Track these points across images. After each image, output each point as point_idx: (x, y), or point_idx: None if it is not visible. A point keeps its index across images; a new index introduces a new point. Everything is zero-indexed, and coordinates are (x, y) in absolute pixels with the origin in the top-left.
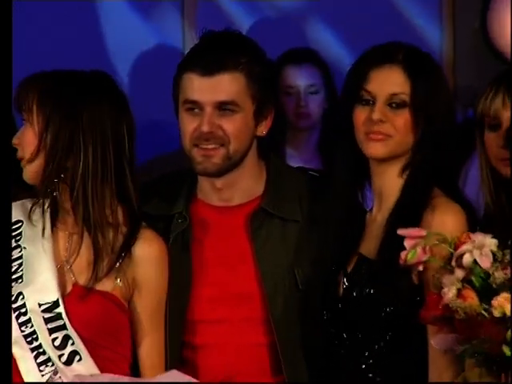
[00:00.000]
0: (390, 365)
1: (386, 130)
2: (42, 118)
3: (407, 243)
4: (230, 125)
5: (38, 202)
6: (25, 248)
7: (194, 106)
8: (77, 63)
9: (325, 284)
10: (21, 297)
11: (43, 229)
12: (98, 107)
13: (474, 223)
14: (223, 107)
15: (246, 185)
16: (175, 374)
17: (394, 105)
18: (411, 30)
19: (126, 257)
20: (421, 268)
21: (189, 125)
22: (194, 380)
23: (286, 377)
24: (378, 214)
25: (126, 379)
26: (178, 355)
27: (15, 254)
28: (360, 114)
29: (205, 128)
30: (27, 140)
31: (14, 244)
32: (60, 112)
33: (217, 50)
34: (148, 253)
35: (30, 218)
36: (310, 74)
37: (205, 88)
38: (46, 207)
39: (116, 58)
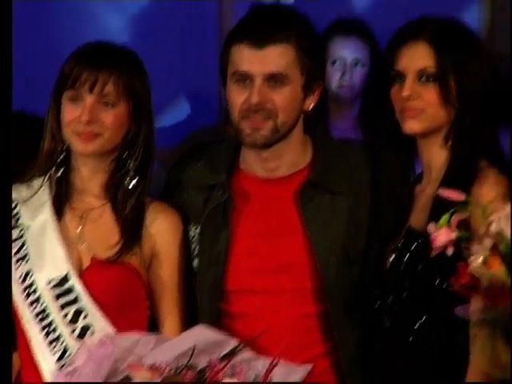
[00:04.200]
0: (436, 338)
1: (417, 105)
2: (128, 103)
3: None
4: (280, 97)
5: (43, 181)
6: (27, 228)
7: (244, 78)
8: None
9: (375, 257)
10: (29, 275)
11: (51, 206)
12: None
13: None
14: (273, 79)
15: (292, 156)
16: (201, 329)
17: (423, 79)
18: (451, 2)
19: (142, 230)
20: (449, 251)
21: (238, 96)
22: (221, 333)
23: (338, 344)
24: (428, 186)
25: (154, 338)
26: (212, 323)
27: (15, 234)
28: (394, 93)
29: (254, 99)
30: (110, 121)
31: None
32: (145, 97)
33: (267, 22)
34: (160, 224)
35: (28, 197)
36: (357, 47)
37: (255, 59)
38: (52, 185)
39: (153, 32)
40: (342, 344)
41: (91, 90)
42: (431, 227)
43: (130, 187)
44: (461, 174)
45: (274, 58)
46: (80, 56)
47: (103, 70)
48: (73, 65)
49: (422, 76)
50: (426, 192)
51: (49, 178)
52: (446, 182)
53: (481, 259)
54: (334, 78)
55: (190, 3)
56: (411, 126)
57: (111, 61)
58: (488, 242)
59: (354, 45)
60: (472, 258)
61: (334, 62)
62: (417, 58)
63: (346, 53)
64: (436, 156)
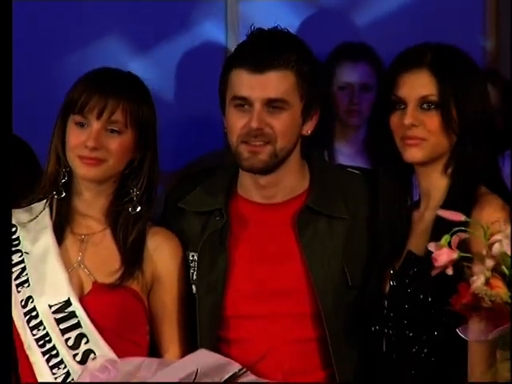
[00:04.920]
0: (437, 363)
1: (419, 133)
2: (134, 130)
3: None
4: (279, 122)
5: (45, 204)
6: (26, 253)
7: (243, 103)
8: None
9: (373, 281)
10: (30, 300)
11: (52, 231)
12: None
13: None
14: (272, 104)
15: (289, 183)
16: (204, 353)
17: (425, 107)
18: (455, 28)
19: (143, 255)
20: (450, 271)
21: (237, 121)
22: (223, 358)
23: (336, 370)
24: (426, 212)
25: (156, 361)
26: (211, 349)
27: (15, 258)
28: (395, 120)
29: (254, 124)
30: (116, 148)
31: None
32: (151, 125)
33: (267, 48)
34: (161, 249)
35: (28, 221)
36: (365, 71)
37: (255, 84)
38: (53, 208)
39: (157, 58)
40: (340, 369)
41: (99, 116)
42: (432, 246)
43: (132, 214)
44: (461, 200)
45: (274, 83)
46: (89, 81)
47: (112, 97)
48: (81, 90)
49: (424, 103)
50: (424, 218)
51: (50, 201)
52: (446, 207)
53: (482, 279)
54: (342, 103)
55: (197, 30)
56: (413, 154)
57: (120, 88)
58: (490, 263)
59: (363, 70)
60: (474, 278)
61: (341, 87)
62: (418, 85)
63: (354, 78)
64: (435, 183)
